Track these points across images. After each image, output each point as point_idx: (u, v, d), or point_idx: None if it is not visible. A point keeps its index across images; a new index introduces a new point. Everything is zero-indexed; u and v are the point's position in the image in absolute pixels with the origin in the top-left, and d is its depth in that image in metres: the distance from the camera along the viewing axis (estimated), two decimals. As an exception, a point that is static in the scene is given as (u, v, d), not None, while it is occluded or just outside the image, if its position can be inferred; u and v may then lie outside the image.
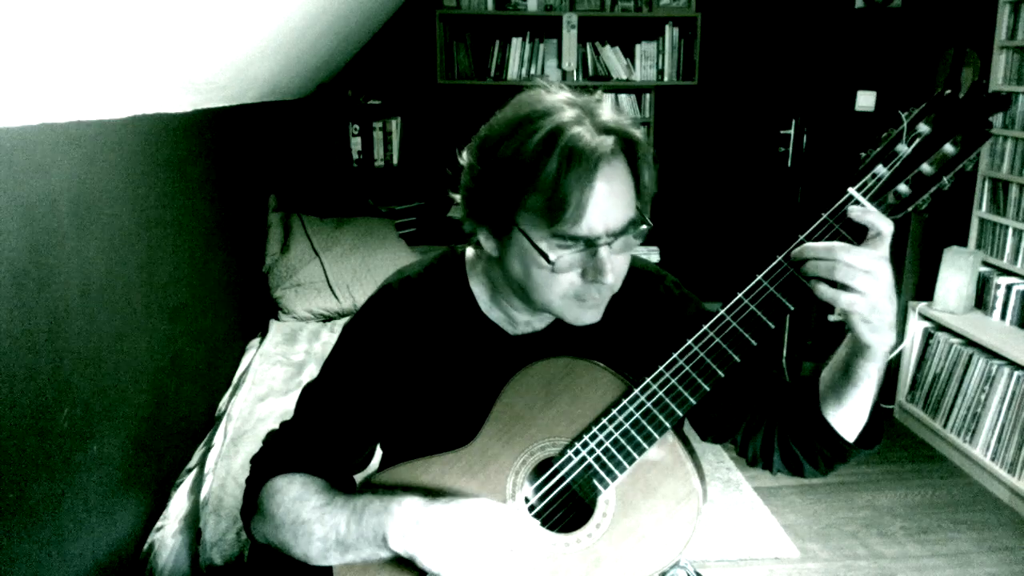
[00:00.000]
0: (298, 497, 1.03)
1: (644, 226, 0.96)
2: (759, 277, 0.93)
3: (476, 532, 0.95)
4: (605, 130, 0.90)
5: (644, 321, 1.11)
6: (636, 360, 1.02)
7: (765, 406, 1.07)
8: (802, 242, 0.90)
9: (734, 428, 1.09)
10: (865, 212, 0.87)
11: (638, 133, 0.94)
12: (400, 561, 0.98)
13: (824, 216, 0.90)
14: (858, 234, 0.88)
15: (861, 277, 0.84)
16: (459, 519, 0.95)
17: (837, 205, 0.89)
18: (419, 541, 0.94)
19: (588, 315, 0.98)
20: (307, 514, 1.01)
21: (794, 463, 1.05)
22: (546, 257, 0.92)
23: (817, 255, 0.86)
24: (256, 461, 1.11)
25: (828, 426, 0.98)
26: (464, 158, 1.00)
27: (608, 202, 0.90)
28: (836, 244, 0.85)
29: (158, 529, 1.78)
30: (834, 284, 0.85)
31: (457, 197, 1.03)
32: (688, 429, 1.09)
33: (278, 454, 1.10)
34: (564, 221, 0.89)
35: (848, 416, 0.97)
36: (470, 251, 1.11)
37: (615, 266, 0.94)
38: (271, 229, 3.32)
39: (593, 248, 0.92)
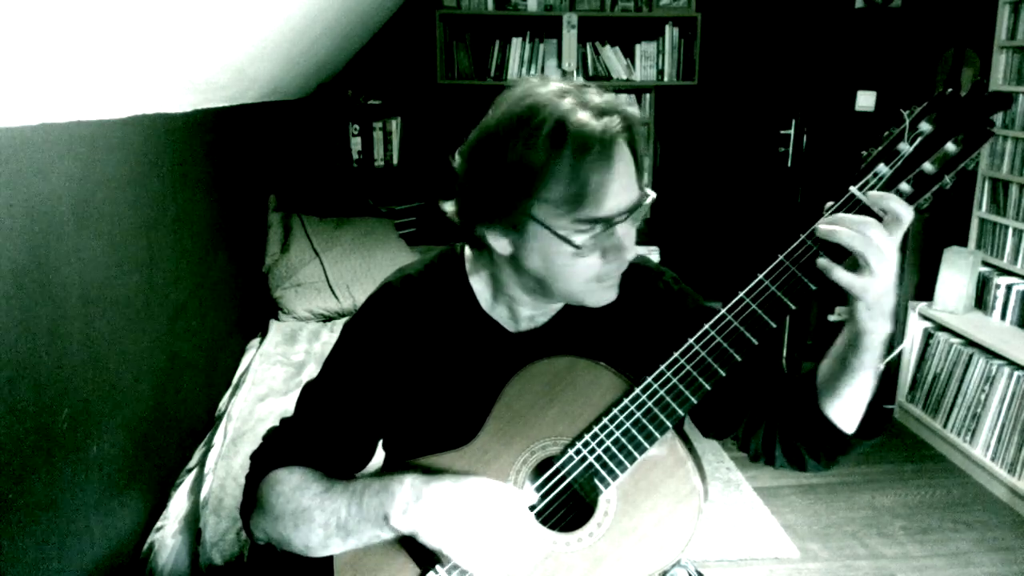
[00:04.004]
0: (298, 486, 1.03)
1: (649, 197, 0.99)
2: (760, 276, 0.93)
3: (478, 508, 0.94)
4: (604, 112, 0.93)
5: (644, 317, 1.11)
6: (637, 356, 1.02)
7: (766, 402, 1.07)
8: (832, 213, 0.90)
9: (735, 424, 1.09)
10: (883, 198, 0.88)
11: (632, 110, 0.97)
12: (401, 543, 0.97)
13: (851, 191, 0.90)
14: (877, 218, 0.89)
15: (877, 257, 0.85)
16: (461, 495, 0.95)
17: (863, 182, 0.90)
18: (421, 517, 0.94)
19: (608, 295, 1.01)
20: (307, 501, 1.01)
21: (796, 457, 1.05)
22: (571, 243, 0.93)
23: (849, 225, 0.87)
24: (256, 457, 1.11)
25: (825, 418, 0.99)
26: (458, 163, 1.00)
27: (622, 181, 0.94)
28: (868, 219, 0.87)
29: (158, 529, 1.78)
30: (851, 268, 0.87)
31: (447, 207, 1.03)
32: (689, 426, 1.09)
33: (278, 449, 1.10)
34: (587, 206, 0.91)
35: (845, 408, 0.98)
36: (469, 249, 1.11)
37: (631, 242, 0.98)
38: (271, 229, 3.31)
39: (611, 227, 0.94)
